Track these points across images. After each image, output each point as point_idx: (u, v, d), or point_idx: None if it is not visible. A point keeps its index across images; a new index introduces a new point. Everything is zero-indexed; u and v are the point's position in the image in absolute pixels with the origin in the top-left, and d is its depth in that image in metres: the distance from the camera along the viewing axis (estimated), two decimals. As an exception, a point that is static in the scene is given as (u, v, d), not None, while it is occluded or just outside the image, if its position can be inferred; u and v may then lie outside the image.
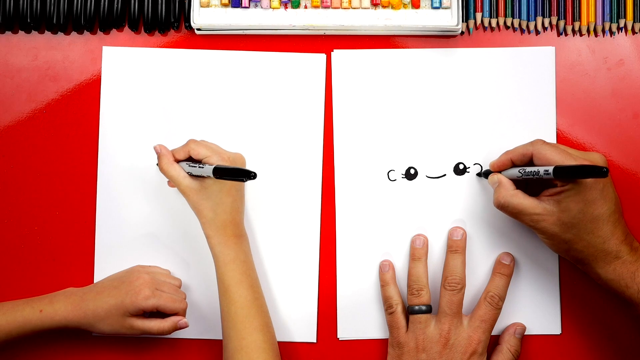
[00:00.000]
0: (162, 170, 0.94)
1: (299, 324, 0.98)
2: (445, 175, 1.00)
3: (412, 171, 1.00)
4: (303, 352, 0.99)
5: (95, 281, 0.99)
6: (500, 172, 0.95)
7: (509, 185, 0.92)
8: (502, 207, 0.92)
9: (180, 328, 0.94)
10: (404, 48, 1.00)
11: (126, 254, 0.99)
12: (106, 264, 0.99)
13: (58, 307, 0.92)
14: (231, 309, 0.92)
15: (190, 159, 0.94)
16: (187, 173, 0.93)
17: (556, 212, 0.88)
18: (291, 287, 0.99)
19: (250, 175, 0.87)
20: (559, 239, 0.90)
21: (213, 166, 0.89)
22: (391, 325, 0.97)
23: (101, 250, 0.99)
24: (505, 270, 0.97)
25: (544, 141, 0.91)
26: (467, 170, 1.00)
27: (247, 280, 0.93)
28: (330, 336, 0.99)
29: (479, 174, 0.99)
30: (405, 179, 1.00)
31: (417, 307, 0.95)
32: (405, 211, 1.00)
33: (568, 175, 0.86)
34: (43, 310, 0.92)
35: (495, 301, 0.95)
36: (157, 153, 0.95)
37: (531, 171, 0.90)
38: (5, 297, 0.97)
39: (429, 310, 0.95)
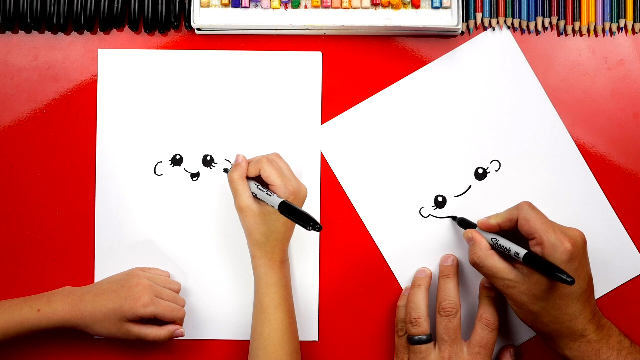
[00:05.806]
0: (229, 180, 0.94)
1: (300, 322, 0.98)
2: (470, 186, 0.99)
3: (440, 199, 0.99)
4: (305, 350, 0.99)
5: (95, 281, 0.99)
6: (476, 228, 0.94)
7: (483, 244, 0.91)
8: (476, 266, 0.91)
9: (176, 337, 0.95)
10: (403, 48, 1.00)
11: (126, 254, 0.99)
12: (106, 264, 0.99)
13: (56, 307, 0.92)
14: (265, 330, 0.92)
15: (259, 178, 0.94)
16: (252, 193, 0.93)
17: (527, 282, 0.87)
18: (292, 286, 0.99)
19: (316, 227, 0.85)
20: (527, 309, 0.88)
21: (280, 200, 0.89)
22: (397, 348, 0.96)
23: (101, 250, 0.99)
24: (492, 293, 0.95)
25: (530, 205, 0.90)
26: (487, 171, 0.99)
27: (285, 305, 0.93)
28: (331, 334, 0.99)
29: (453, 218, 0.98)
30: (436, 209, 0.99)
31: (416, 337, 0.93)
32: (437, 245, 0.99)
33: (536, 266, 0.85)
34: (41, 309, 0.92)
35: (491, 323, 0.93)
36: (236, 162, 0.95)
37: (502, 246, 0.89)
38: (5, 297, 0.97)
39: (428, 340, 0.93)
